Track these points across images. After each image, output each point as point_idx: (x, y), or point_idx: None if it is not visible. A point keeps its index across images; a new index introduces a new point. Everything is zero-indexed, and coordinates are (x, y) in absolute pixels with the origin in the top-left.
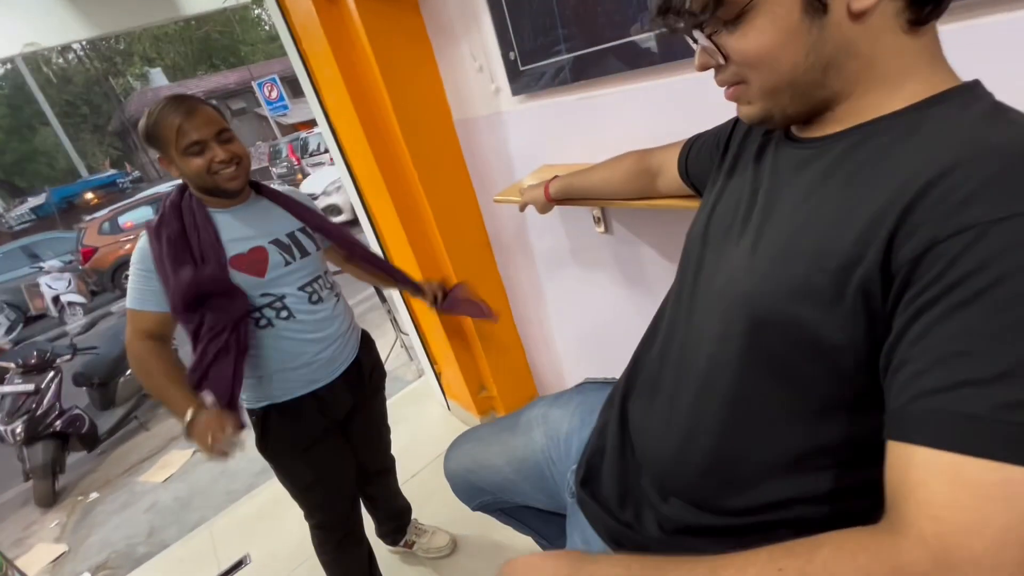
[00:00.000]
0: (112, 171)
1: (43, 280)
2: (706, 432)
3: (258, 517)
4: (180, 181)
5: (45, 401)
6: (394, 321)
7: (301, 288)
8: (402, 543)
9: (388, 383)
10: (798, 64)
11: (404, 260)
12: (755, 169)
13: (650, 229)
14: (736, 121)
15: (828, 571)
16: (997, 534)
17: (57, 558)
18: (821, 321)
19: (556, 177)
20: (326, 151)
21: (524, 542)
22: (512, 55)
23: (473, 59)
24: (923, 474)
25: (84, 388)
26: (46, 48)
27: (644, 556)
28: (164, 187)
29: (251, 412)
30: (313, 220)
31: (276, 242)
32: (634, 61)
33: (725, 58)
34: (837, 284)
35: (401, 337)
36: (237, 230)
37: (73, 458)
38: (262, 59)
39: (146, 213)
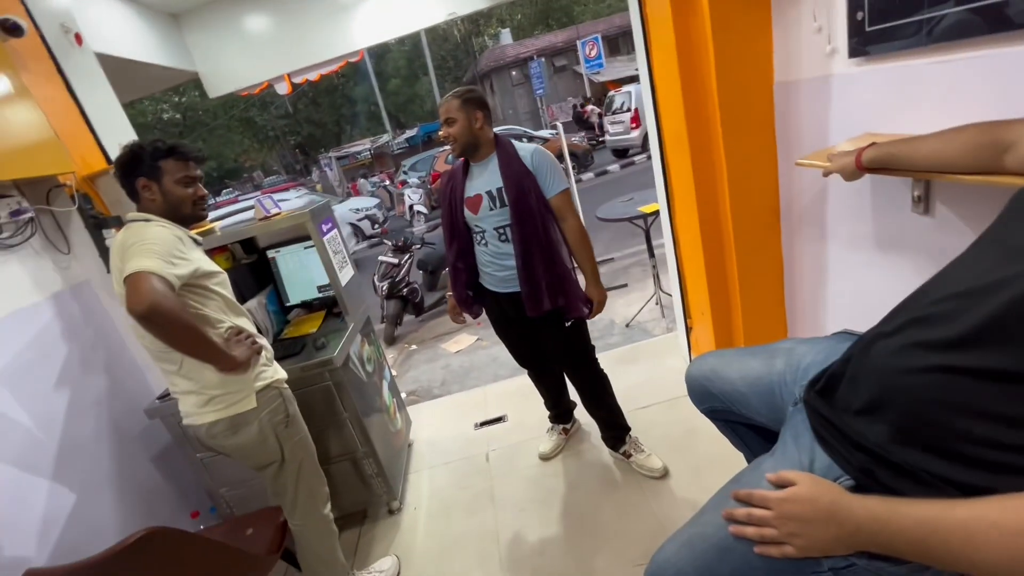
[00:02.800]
0: None
1: (407, 191)
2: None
3: (519, 393)
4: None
5: (402, 273)
6: (656, 279)
7: (495, 228)
8: (621, 451)
9: (634, 332)
10: None
11: (687, 215)
12: None
13: (985, 215)
14: None
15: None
16: None
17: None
18: None
19: (873, 144)
20: (628, 110)
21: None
22: (860, 15)
23: (813, 19)
24: None
25: (421, 272)
26: (461, 16)
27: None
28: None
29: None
30: (508, 185)
31: (489, 192)
32: (1008, 22)
33: None
34: None
35: (660, 295)
36: (475, 178)
37: (407, 318)
38: (590, 19)
39: None
